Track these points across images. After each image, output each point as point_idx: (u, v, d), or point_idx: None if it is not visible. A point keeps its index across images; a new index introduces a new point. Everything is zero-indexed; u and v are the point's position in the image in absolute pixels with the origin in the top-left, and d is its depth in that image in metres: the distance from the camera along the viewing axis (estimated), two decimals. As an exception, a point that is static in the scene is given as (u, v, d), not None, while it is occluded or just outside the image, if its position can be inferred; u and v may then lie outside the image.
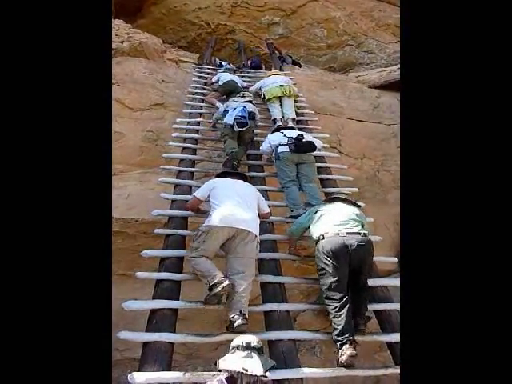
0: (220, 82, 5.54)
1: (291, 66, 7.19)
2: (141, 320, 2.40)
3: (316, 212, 2.78)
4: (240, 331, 2.18)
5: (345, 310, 2.27)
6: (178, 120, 4.71)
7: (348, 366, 2.16)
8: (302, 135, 3.81)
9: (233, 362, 1.54)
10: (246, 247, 2.48)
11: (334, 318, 2.30)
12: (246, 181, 3.01)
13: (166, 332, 2.20)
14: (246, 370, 1.49)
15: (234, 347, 1.64)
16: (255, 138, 4.55)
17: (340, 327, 2.24)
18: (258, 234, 2.59)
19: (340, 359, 2.18)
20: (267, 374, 1.57)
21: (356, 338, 2.42)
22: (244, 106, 4.24)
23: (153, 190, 3.97)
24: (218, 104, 4.95)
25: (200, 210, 3.00)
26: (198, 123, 4.77)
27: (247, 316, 2.31)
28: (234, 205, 2.59)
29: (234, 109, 4.17)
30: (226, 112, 4.26)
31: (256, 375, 1.49)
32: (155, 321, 2.27)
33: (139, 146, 4.55)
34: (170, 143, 4.26)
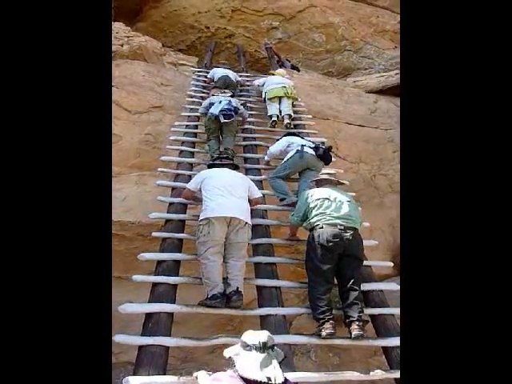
0: (215, 78, 5.75)
1: (290, 71, 7.23)
2: (136, 323, 2.40)
3: (307, 198, 2.83)
4: (236, 306, 2.46)
5: (328, 295, 2.54)
6: (177, 123, 4.72)
7: (326, 338, 2.44)
8: (331, 146, 3.94)
9: (253, 368, 1.49)
10: (238, 234, 2.64)
11: (316, 299, 2.51)
12: (236, 170, 3.15)
13: (161, 335, 2.20)
14: (269, 379, 1.46)
15: (249, 345, 1.56)
16: (254, 142, 4.59)
17: (322, 308, 2.46)
18: (249, 220, 2.74)
19: (320, 333, 2.42)
20: (285, 376, 1.55)
21: (352, 342, 2.45)
22: (229, 100, 4.37)
23: (150, 192, 3.96)
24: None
25: (197, 199, 3.12)
26: (196, 126, 4.79)
27: (243, 293, 2.52)
28: (223, 195, 2.72)
29: (220, 102, 4.29)
30: (210, 105, 4.35)
31: (254, 380, 1.46)
32: (151, 324, 2.27)
33: (137, 149, 4.55)
34: (168, 146, 4.27)
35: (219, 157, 3.45)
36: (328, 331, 2.37)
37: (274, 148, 4.00)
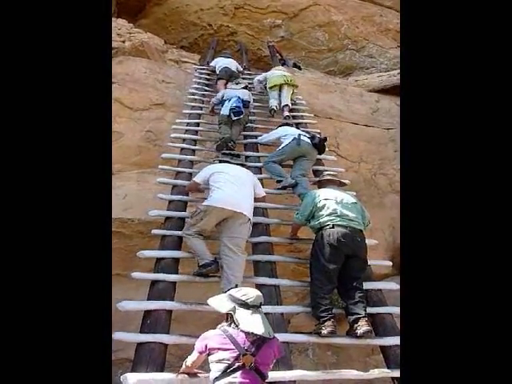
0: (217, 68, 6.01)
1: (292, 69, 7.21)
2: (134, 320, 2.40)
3: (315, 199, 2.85)
4: None
5: (331, 294, 2.60)
6: (178, 121, 4.72)
7: (326, 337, 2.44)
8: (326, 138, 4.15)
9: (256, 325, 1.64)
10: (240, 228, 2.69)
11: (319, 298, 2.52)
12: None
13: (160, 333, 2.21)
14: (270, 334, 1.65)
15: (247, 304, 1.67)
16: (255, 140, 4.58)
17: (325, 307, 2.48)
18: (251, 217, 2.81)
19: (321, 332, 2.41)
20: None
21: (350, 341, 2.46)
22: (238, 97, 4.57)
23: (150, 190, 3.97)
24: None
25: (199, 191, 3.24)
26: (198, 124, 4.79)
27: None
28: (232, 188, 2.80)
29: (229, 100, 4.51)
30: (223, 101, 4.59)
31: (261, 335, 1.62)
32: (149, 321, 2.28)
33: (138, 146, 4.55)
34: (169, 144, 4.27)
35: (230, 153, 3.59)
36: (329, 329, 2.39)
37: (266, 138, 4.26)
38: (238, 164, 3.23)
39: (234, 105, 4.43)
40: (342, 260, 2.58)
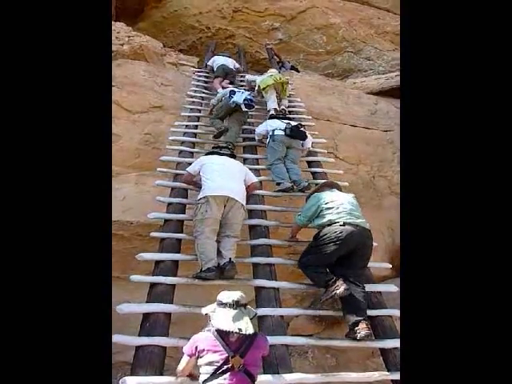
0: (214, 66, 6.13)
1: (290, 72, 7.23)
2: (133, 323, 2.39)
3: (319, 200, 2.87)
4: (230, 276, 2.63)
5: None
6: (177, 123, 4.72)
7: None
8: (301, 125, 4.32)
9: (226, 321, 1.68)
10: (235, 214, 2.85)
11: (317, 267, 2.62)
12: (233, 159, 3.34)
13: (158, 336, 2.19)
14: (241, 330, 1.66)
15: (223, 303, 1.75)
16: (253, 143, 4.59)
17: (326, 272, 2.60)
18: (244, 203, 2.96)
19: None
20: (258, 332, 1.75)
21: (350, 343, 2.45)
22: (250, 92, 4.77)
23: (149, 192, 3.96)
24: (220, 90, 5.39)
25: (196, 184, 3.30)
26: (196, 126, 4.79)
27: (236, 265, 2.69)
28: (222, 177, 2.94)
29: (243, 92, 4.64)
30: (231, 92, 4.67)
31: (249, 334, 1.66)
32: (148, 324, 2.27)
33: (136, 149, 4.55)
34: (168, 146, 4.27)
35: (219, 146, 3.69)
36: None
37: (259, 129, 4.38)
38: (226, 155, 3.29)
39: (249, 97, 4.55)
40: (342, 254, 2.61)
